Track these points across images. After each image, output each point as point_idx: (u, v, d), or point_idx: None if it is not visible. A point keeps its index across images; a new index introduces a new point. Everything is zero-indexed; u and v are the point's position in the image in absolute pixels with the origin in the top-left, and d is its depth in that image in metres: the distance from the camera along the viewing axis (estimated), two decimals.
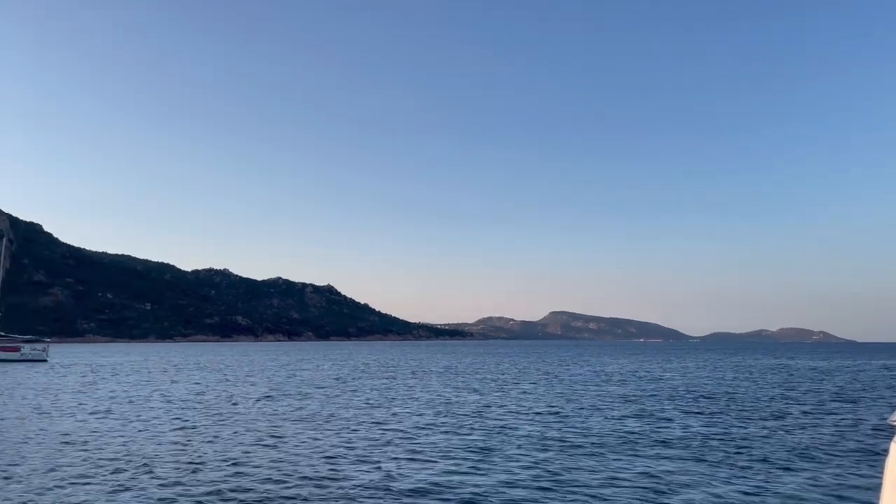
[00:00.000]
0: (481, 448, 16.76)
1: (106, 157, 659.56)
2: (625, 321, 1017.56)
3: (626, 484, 12.93)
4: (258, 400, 29.39)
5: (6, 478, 12.92)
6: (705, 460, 15.35)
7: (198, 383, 40.17)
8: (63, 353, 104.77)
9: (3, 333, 77.71)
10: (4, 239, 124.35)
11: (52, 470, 13.73)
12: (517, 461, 15.06)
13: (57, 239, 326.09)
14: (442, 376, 47.23)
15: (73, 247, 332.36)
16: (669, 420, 22.67)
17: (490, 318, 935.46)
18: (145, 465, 14.39)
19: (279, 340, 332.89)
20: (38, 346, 79.25)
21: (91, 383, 39.88)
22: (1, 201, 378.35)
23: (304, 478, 13.26)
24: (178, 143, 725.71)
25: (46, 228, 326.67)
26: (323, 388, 36.41)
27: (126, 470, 13.81)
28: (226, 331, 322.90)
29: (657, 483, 13.01)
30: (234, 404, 27.42)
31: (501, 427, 20.56)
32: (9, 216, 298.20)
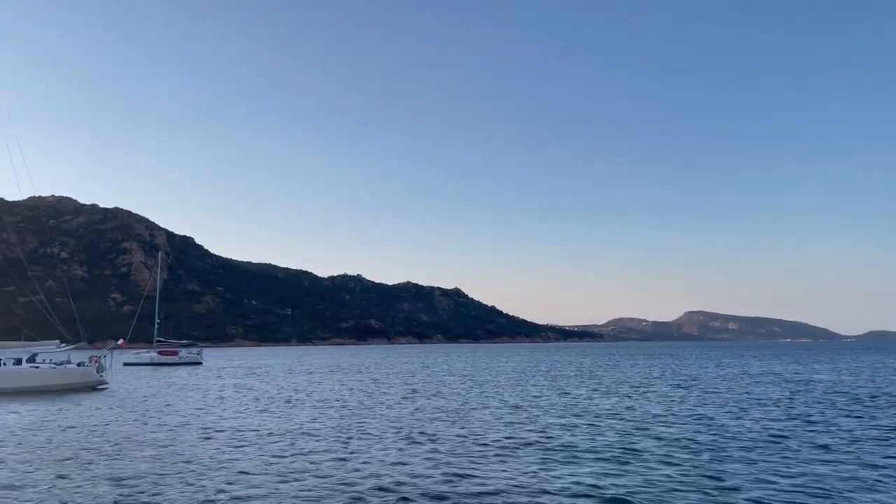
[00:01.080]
0: (623, 449, 16.44)
1: (249, 173, 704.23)
2: (768, 320, 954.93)
3: (781, 488, 12.33)
4: (402, 399, 30.27)
5: (182, 473, 14.20)
6: (866, 465, 14.14)
7: (344, 384, 42.02)
8: (215, 357, 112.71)
9: (162, 339, 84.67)
10: (161, 252, 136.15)
11: (222, 466, 14.96)
12: (661, 463, 14.64)
13: (208, 251, 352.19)
14: (575, 378, 46.43)
15: (221, 258, 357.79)
16: (823, 423, 21.10)
17: (621, 319, 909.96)
18: (304, 460, 15.34)
19: (410, 343, 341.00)
20: (194, 350, 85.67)
21: (246, 385, 42.73)
22: (159, 218, 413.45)
23: (447, 474, 13.62)
24: (313, 155, 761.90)
25: (198, 241, 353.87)
26: (459, 388, 36.90)
27: (288, 467, 14.79)
28: (360, 334, 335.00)
29: (814, 488, 12.29)
30: (381, 404, 28.32)
31: (642, 429, 19.97)
32: (166, 231, 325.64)
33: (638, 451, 16.36)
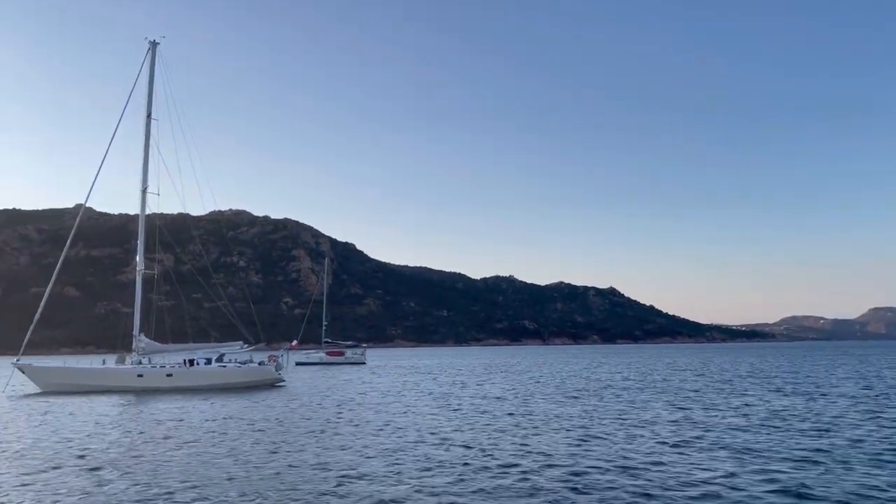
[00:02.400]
0: (808, 451, 15.18)
1: (403, 178, 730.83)
2: None
3: None
4: (566, 398, 30.00)
5: (373, 463, 14.95)
6: None
7: (506, 382, 42.50)
8: (377, 357, 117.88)
9: (329, 340, 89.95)
10: (327, 259, 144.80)
11: (409, 457, 15.60)
12: (860, 466, 13.31)
13: (367, 256, 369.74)
14: (747, 378, 43.50)
15: (380, 262, 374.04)
16: None
17: (795, 317, 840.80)
18: (482, 455, 15.61)
19: (565, 344, 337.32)
20: (358, 350, 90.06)
21: (412, 382, 44.57)
22: (323, 227, 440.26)
23: (617, 470, 13.26)
24: (461, 158, 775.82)
25: (359, 247, 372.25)
26: (624, 387, 35.95)
27: (469, 461, 15.06)
28: (514, 335, 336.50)
29: None
30: (545, 402, 28.24)
31: (828, 431, 18.26)
32: (329, 239, 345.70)
33: (825, 452, 15.11)
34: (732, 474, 13.38)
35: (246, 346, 44.86)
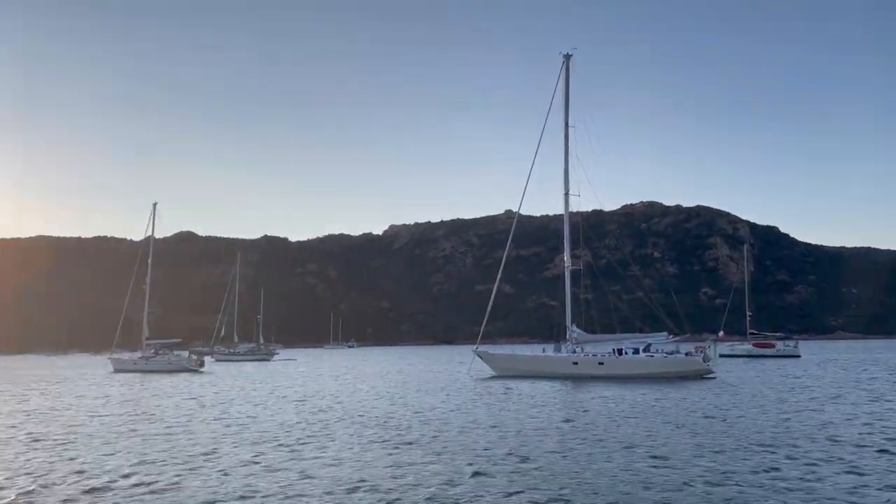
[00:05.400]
0: None
1: (826, 150, 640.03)
2: None
3: None
4: None
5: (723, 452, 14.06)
6: None
7: None
8: (814, 349, 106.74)
9: (755, 331, 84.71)
10: (746, 245, 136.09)
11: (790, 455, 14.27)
12: None
13: (794, 239, 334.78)
14: None
15: (811, 245, 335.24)
16: None
17: None
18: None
19: None
20: (790, 342, 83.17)
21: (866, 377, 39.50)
22: (740, 211, 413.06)
23: None
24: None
25: (782, 230, 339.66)
26: None
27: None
28: None
29: None
30: None
31: None
32: (748, 223, 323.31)
33: None
34: None
35: (671, 336, 44.95)
